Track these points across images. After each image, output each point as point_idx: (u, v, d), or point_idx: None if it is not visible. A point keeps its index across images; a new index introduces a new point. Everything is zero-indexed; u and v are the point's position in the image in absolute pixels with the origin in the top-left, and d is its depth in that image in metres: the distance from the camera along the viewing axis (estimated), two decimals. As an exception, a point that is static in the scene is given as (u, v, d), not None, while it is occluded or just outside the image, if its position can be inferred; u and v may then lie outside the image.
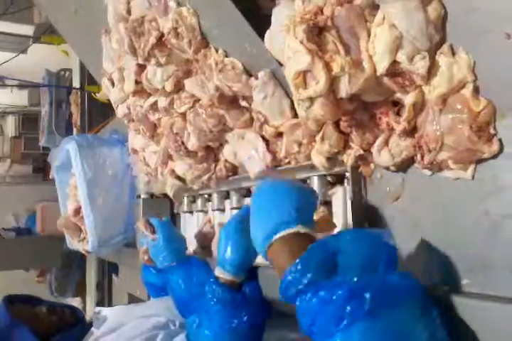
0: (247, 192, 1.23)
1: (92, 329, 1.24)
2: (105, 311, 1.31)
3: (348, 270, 0.62)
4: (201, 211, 1.42)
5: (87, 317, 1.42)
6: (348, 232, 0.71)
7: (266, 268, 0.99)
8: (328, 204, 0.95)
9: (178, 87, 1.14)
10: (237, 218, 0.97)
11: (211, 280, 0.97)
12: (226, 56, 1.01)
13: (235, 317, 0.94)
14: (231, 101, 1.03)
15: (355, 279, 0.60)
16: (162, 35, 1.07)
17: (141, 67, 1.19)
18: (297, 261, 0.63)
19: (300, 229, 0.69)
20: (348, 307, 0.58)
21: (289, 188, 0.74)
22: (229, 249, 0.95)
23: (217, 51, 1.02)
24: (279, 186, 0.75)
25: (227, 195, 1.31)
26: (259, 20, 0.92)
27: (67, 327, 1.31)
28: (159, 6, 1.06)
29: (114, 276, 2.69)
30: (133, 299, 2.11)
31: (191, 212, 1.50)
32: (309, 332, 0.62)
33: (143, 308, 1.31)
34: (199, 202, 1.44)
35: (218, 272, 0.97)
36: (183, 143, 1.20)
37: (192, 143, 1.16)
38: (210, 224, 1.37)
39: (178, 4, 1.04)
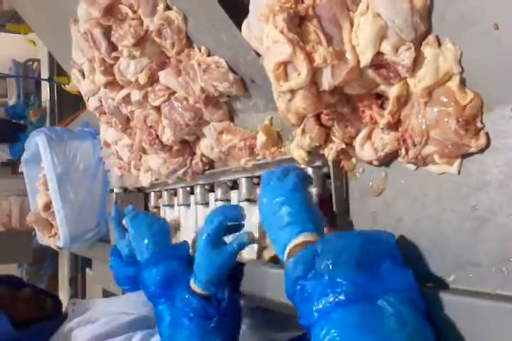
0: (211, 187, 1.23)
1: (67, 320, 1.21)
2: (82, 304, 1.28)
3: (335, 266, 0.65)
4: (167, 205, 1.43)
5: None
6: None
7: (251, 266, 0.99)
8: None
9: (152, 80, 1.10)
10: (207, 234, 0.95)
11: (184, 290, 0.97)
12: (209, 55, 0.98)
13: (204, 326, 0.94)
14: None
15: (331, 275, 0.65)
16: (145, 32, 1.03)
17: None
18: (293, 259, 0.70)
19: (304, 237, 0.74)
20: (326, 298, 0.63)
21: (303, 197, 0.78)
22: (199, 266, 0.97)
23: (200, 50, 0.98)
24: (294, 191, 0.78)
25: (191, 191, 1.31)
26: (236, 8, 0.89)
27: (45, 317, 1.27)
28: (147, 7, 1.00)
29: (88, 270, 2.65)
30: (107, 294, 2.08)
31: (157, 207, 1.51)
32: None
33: (120, 303, 1.29)
34: (165, 196, 1.43)
35: (192, 283, 0.98)
36: (157, 136, 1.17)
37: (167, 137, 1.12)
38: None
39: (167, 7, 1.00)
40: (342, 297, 0.62)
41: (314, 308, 0.64)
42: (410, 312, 0.62)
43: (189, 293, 0.96)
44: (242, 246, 0.95)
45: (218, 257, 0.94)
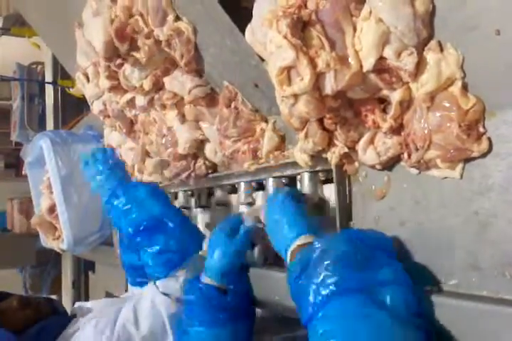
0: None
1: (78, 317, 1.21)
2: (88, 304, 1.29)
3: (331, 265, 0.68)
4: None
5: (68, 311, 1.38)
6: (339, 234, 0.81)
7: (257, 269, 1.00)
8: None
9: (157, 86, 1.10)
10: (223, 229, 0.99)
11: (198, 283, 0.98)
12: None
13: (216, 317, 0.94)
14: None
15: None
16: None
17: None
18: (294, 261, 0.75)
19: (305, 239, 0.79)
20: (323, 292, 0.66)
21: (295, 208, 0.85)
22: (211, 258, 0.98)
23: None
24: (288, 206, 0.85)
25: (191, 194, 1.31)
26: (240, 13, 0.89)
27: (43, 318, 1.27)
28: (156, 17, 1.01)
29: (90, 273, 2.65)
30: (110, 296, 2.08)
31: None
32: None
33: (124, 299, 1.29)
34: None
35: (204, 278, 0.98)
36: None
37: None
38: None
39: (177, 18, 1.00)
40: (333, 288, 0.66)
41: (309, 302, 0.67)
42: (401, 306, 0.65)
43: (203, 284, 0.96)
44: (248, 230, 0.97)
45: (230, 245, 0.96)
